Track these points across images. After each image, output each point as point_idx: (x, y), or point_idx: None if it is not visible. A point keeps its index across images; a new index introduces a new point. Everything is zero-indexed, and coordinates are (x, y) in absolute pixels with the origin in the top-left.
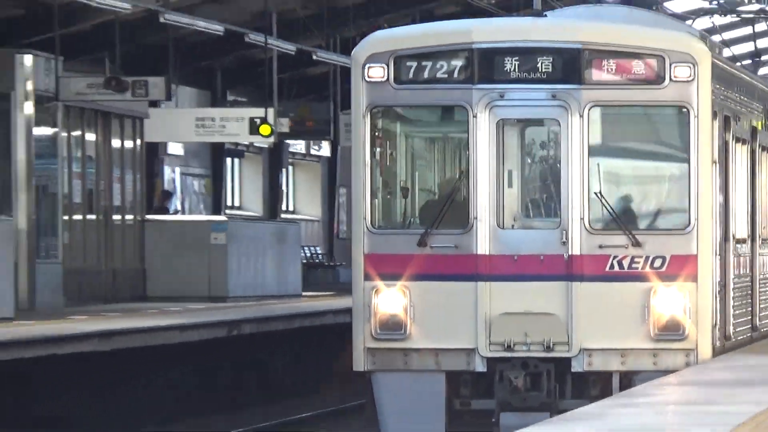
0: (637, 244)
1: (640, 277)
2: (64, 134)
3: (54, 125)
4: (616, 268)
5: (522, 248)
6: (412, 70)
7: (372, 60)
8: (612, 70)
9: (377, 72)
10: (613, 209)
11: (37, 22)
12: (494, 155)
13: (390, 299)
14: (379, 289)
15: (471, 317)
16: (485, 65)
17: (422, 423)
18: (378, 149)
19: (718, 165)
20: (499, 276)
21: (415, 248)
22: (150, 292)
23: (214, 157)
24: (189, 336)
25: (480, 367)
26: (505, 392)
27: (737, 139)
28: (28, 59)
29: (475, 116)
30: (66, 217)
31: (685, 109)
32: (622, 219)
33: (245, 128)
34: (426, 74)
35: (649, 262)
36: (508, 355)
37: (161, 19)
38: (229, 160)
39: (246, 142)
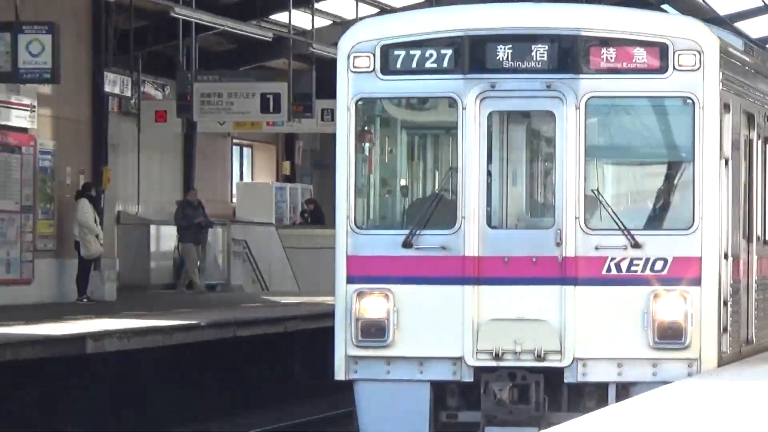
0: (636, 245)
1: (639, 281)
2: None
3: None
4: (614, 271)
5: (513, 249)
6: (399, 60)
7: (358, 49)
8: (611, 58)
9: (363, 62)
10: (610, 208)
11: None
12: (484, 150)
13: (372, 304)
14: (361, 292)
15: (457, 323)
16: (476, 54)
17: None
18: (363, 144)
19: (733, 162)
20: (487, 279)
21: (400, 250)
22: None
23: None
24: None
25: (466, 377)
26: (491, 405)
27: (767, 139)
28: None
29: (464, 108)
30: None
31: (689, 101)
32: (621, 218)
33: None
34: (414, 64)
35: (650, 265)
36: (495, 364)
37: None
38: None
39: None
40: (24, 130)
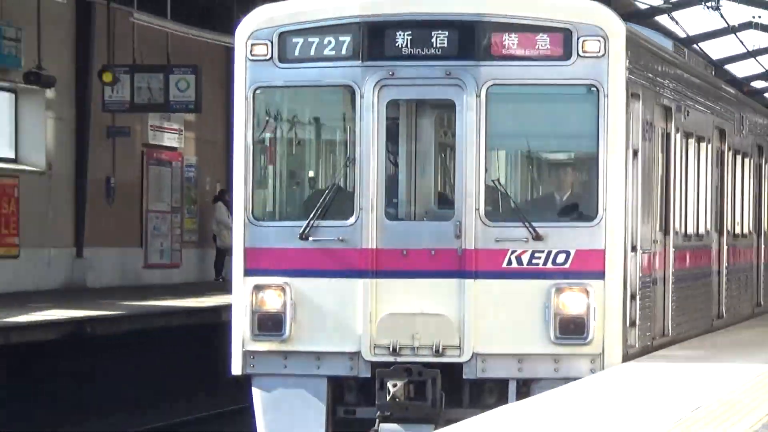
0: (537, 237)
1: (540, 274)
2: None
3: None
4: (514, 264)
5: (411, 242)
6: (297, 48)
7: (255, 36)
8: (514, 44)
9: (261, 50)
10: (511, 199)
11: None
12: (382, 140)
13: (269, 297)
14: (258, 285)
15: (355, 318)
16: (374, 40)
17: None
18: (261, 134)
19: (643, 154)
20: (385, 272)
21: (298, 242)
22: None
23: None
24: None
25: (364, 372)
26: (386, 401)
27: (688, 134)
28: None
29: (362, 97)
30: None
31: (594, 88)
32: (522, 210)
33: None
34: (312, 52)
35: (551, 258)
36: (392, 359)
37: None
38: None
39: None
40: (173, 149)
